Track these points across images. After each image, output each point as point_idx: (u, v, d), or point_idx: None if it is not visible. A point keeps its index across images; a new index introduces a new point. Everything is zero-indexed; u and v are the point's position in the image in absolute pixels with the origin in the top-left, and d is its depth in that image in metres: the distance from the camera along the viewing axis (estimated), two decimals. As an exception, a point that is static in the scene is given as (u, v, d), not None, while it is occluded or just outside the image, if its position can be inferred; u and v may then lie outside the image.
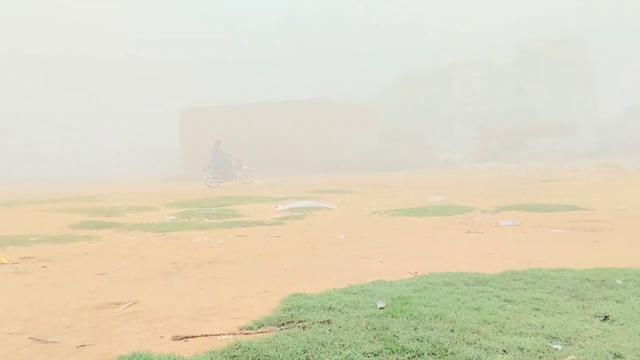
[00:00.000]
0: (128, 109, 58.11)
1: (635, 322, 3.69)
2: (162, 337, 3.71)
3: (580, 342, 3.34)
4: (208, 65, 63.34)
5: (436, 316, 3.81)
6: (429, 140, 45.35)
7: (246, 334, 3.67)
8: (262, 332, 3.66)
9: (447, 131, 48.70)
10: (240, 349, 3.28)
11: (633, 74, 52.06)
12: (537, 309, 4.04)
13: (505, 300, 4.27)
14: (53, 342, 3.67)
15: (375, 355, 3.15)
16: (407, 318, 3.79)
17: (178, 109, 44.72)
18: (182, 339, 3.63)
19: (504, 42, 52.54)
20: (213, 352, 3.31)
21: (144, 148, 52.31)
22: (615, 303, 4.16)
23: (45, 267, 6.70)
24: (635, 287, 4.58)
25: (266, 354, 3.19)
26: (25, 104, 55.92)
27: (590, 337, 3.42)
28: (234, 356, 3.20)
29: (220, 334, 3.68)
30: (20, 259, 7.21)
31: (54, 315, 4.33)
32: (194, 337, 3.66)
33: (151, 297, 4.82)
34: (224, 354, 3.24)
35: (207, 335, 3.67)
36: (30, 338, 3.75)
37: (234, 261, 6.81)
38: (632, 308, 3.99)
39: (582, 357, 3.09)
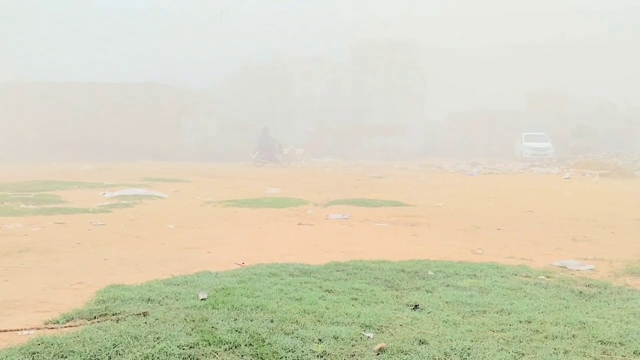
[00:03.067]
0: None
1: (441, 310, 3.98)
2: (-50, 334, 3.32)
3: (391, 330, 3.53)
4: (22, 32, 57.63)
5: (257, 307, 3.82)
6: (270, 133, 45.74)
7: (52, 328, 3.40)
8: (70, 326, 3.42)
9: (288, 125, 49.48)
10: (42, 345, 3.03)
11: (457, 82, 56.77)
12: (355, 299, 4.21)
13: (326, 291, 4.41)
14: None
15: (191, 347, 3.07)
16: (228, 309, 3.76)
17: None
18: (-26, 335, 3.27)
19: (343, 42, 54.61)
20: (10, 349, 3.02)
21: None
22: (426, 293, 4.47)
23: None
24: (443, 277, 4.96)
25: (71, 349, 2.97)
26: None
27: (400, 325, 3.63)
28: (34, 352, 2.94)
29: (22, 329, 3.37)
30: None
31: None
32: (-11, 333, 3.32)
33: (-57, 290, 4.31)
34: (22, 351, 2.97)
35: (5, 331, 3.35)
36: None
37: (50, 250, 6.32)
38: (440, 297, 4.31)
39: (390, 344, 3.26)
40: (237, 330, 3.32)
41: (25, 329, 3.37)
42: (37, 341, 3.08)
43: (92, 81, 40.50)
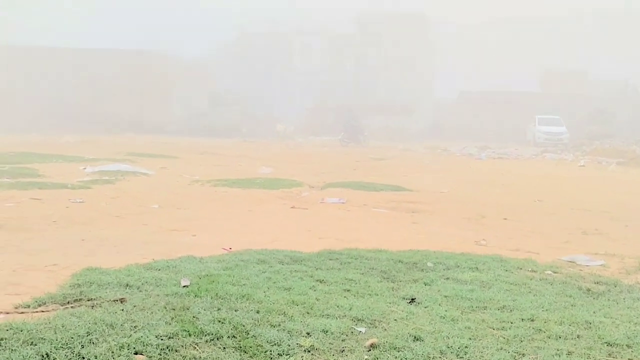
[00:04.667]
0: None
1: (439, 305, 3.99)
2: None
3: (384, 324, 3.55)
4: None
5: (243, 296, 3.83)
6: (266, 108, 45.60)
7: (22, 312, 3.41)
8: (42, 311, 3.42)
9: (286, 99, 49.29)
10: (11, 331, 3.04)
11: (468, 59, 56.56)
12: (348, 290, 4.22)
13: (317, 281, 4.42)
14: None
15: (169, 337, 3.08)
16: (212, 298, 3.76)
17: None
18: (-61, 318, 3.28)
19: (346, 13, 54.06)
20: (-24, 334, 3.02)
21: None
22: (424, 285, 4.49)
23: None
24: (443, 270, 4.97)
25: (41, 336, 2.98)
26: None
27: (395, 320, 3.64)
28: (1, 339, 2.95)
29: (-10, 313, 3.38)
30: None
31: None
32: (-45, 316, 3.32)
33: None
34: (-11, 337, 2.97)
35: (-28, 315, 3.35)
36: None
37: (23, 228, 6.33)
38: (438, 291, 4.33)
39: (383, 339, 3.27)
40: (219, 321, 3.33)
41: (-6, 313, 3.38)
42: (6, 326, 3.08)
43: (77, 47, 40.22)
